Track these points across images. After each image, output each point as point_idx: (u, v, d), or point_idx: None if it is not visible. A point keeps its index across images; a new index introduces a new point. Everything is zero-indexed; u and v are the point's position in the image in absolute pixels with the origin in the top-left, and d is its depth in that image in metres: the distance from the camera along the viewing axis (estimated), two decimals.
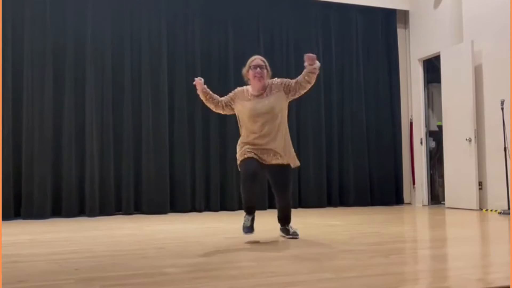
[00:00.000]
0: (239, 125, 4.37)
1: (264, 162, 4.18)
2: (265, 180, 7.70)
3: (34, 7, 6.98)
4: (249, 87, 4.33)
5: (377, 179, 8.56)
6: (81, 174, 7.05)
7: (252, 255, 3.57)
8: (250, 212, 4.20)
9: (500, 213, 6.64)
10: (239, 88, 4.40)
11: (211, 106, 4.47)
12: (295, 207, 8.00)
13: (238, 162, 4.26)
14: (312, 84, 4.27)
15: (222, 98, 4.44)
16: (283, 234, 4.39)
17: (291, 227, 4.38)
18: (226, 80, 7.72)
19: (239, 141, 4.32)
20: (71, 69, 7.11)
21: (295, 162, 4.37)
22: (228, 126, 7.52)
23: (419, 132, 8.75)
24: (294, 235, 4.33)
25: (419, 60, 8.78)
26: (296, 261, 3.29)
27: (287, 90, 4.27)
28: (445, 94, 7.95)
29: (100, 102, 7.20)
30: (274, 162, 4.19)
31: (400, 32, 9.02)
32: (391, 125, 8.77)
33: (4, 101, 6.73)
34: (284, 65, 8.18)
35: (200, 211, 7.43)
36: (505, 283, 2.52)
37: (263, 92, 4.24)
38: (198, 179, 7.55)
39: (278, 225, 4.41)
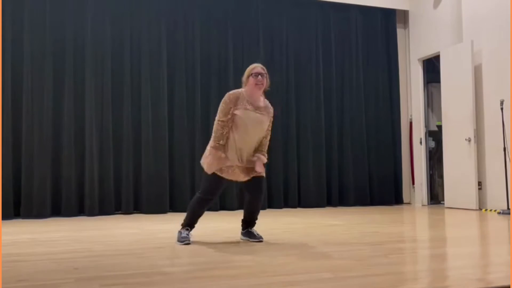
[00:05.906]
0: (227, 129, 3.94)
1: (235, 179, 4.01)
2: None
3: (34, 8, 6.98)
4: (243, 92, 4.00)
5: (376, 179, 8.56)
6: (81, 173, 7.05)
7: (251, 255, 3.56)
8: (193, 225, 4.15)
9: (499, 213, 6.65)
10: (233, 93, 3.99)
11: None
12: (295, 207, 8.02)
13: (213, 168, 3.90)
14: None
15: (223, 123, 3.93)
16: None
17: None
18: (226, 80, 7.73)
19: (224, 144, 3.91)
20: (70, 70, 7.10)
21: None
22: None
23: (419, 132, 8.75)
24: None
25: (418, 60, 8.78)
26: (295, 261, 3.29)
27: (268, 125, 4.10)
28: (444, 94, 7.95)
29: (99, 101, 7.20)
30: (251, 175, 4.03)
31: (399, 32, 9.02)
32: (391, 125, 8.78)
33: (4, 101, 6.74)
34: (284, 65, 8.18)
35: None
36: (505, 283, 2.52)
37: (262, 106, 4.03)
38: (197, 179, 7.54)
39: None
